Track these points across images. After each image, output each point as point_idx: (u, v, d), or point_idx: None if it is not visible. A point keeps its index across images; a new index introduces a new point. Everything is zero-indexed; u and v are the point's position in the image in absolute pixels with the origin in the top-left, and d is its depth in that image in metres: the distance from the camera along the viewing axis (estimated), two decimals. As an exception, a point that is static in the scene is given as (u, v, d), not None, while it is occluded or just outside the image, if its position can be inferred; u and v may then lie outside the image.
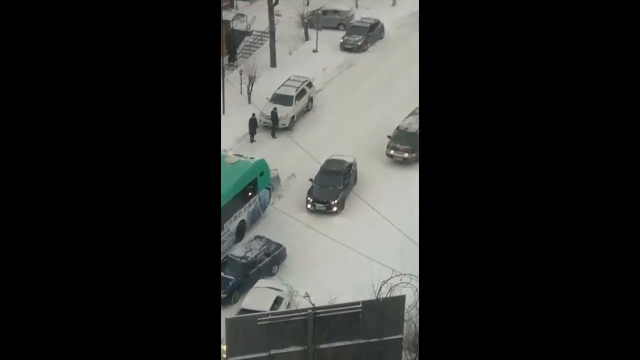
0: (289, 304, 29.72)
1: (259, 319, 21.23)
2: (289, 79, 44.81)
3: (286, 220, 35.52)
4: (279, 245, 33.17)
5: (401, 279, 23.99)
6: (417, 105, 42.26)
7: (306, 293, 23.31)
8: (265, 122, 42.43)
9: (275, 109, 42.11)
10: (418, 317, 24.28)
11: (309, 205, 36.18)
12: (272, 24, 48.31)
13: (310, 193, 36.38)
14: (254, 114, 41.95)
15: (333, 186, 36.22)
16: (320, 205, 35.95)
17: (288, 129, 42.59)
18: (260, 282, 30.98)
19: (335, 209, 36.00)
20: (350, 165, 37.58)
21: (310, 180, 36.84)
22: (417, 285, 24.04)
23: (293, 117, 43.05)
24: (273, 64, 48.53)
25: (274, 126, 42.15)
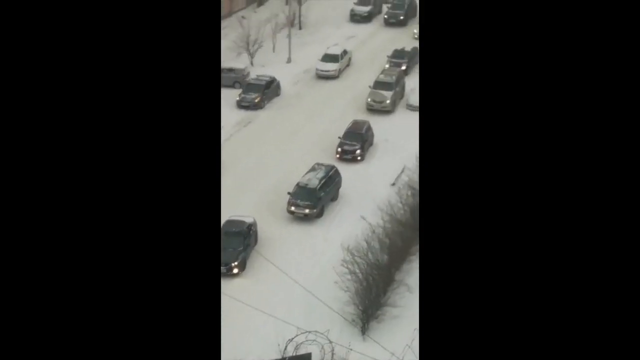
0: (192, 369, 28.85)
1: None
2: (185, 138, 44.20)
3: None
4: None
5: (306, 337, 23.66)
6: (317, 160, 42.26)
7: (210, 357, 22.69)
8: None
9: (172, 169, 41.40)
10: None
11: (210, 267, 35.40)
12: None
13: (210, 254, 35.62)
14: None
15: (233, 248, 35.57)
16: (221, 267, 35.26)
17: (186, 189, 41.88)
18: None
19: (236, 270, 35.33)
20: (250, 225, 37.07)
21: (211, 241, 36.12)
22: (323, 342, 23.80)
23: (191, 177, 42.39)
24: (169, 124, 47.89)
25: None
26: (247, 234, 36.51)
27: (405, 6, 64.04)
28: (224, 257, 35.28)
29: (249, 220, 37.24)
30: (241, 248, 35.75)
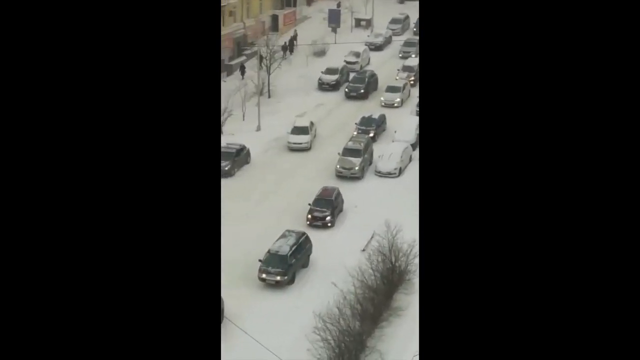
0: None
1: None
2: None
3: None
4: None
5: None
6: (287, 227, 42.39)
7: None
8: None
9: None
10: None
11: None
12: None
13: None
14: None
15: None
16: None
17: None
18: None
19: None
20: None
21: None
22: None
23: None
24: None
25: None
26: (218, 302, 36.20)
27: (366, 80, 64.94)
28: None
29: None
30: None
